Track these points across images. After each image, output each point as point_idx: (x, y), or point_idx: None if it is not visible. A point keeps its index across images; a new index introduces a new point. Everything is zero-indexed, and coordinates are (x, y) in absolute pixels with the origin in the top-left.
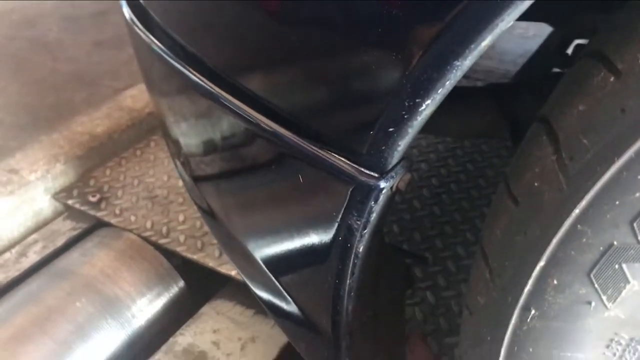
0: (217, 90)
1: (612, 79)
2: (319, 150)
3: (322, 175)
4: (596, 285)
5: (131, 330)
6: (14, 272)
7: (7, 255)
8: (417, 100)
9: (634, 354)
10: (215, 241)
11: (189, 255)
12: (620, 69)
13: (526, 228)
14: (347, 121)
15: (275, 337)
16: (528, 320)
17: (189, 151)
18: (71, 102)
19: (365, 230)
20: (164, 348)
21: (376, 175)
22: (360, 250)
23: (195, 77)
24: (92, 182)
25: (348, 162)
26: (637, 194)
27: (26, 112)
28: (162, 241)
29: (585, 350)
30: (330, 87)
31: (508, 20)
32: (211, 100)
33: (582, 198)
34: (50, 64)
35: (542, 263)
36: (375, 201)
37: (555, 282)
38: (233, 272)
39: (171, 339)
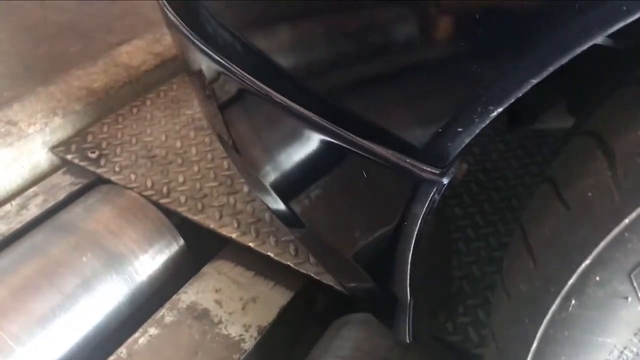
0: (284, 100)
1: None
2: (385, 150)
3: (389, 172)
4: (635, 284)
5: (134, 286)
6: (15, 224)
7: (7, 207)
8: (490, 108)
9: None
10: (215, 203)
11: (191, 216)
12: None
13: (576, 230)
14: (416, 123)
15: (275, 298)
16: (568, 308)
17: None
18: (65, 54)
19: (429, 216)
20: (167, 305)
21: (438, 171)
22: (424, 231)
23: (257, 84)
24: (89, 138)
25: (412, 160)
26: None
27: (18, 61)
28: (162, 201)
29: (615, 336)
30: (406, 93)
31: (587, 43)
32: (281, 109)
33: (632, 211)
34: (40, 12)
35: (587, 261)
36: (438, 193)
37: (597, 278)
38: (234, 235)
39: (175, 297)
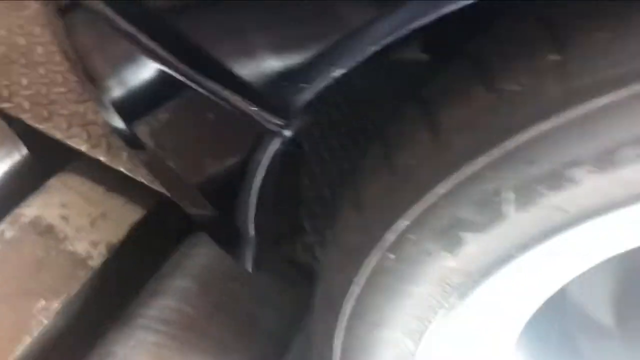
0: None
1: None
2: (231, 94)
3: (235, 116)
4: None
5: None
6: None
7: None
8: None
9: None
10: (63, 112)
11: (35, 124)
12: None
13: (398, 193)
14: (266, 72)
15: (126, 215)
16: (386, 262)
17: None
18: None
19: (274, 164)
20: (8, 219)
21: (282, 123)
22: (269, 180)
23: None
24: None
25: (257, 108)
26: None
27: None
28: (2, 105)
29: (424, 286)
30: (259, 36)
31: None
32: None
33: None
34: None
35: (407, 222)
36: (283, 144)
37: (413, 237)
38: (83, 147)
39: (16, 210)
